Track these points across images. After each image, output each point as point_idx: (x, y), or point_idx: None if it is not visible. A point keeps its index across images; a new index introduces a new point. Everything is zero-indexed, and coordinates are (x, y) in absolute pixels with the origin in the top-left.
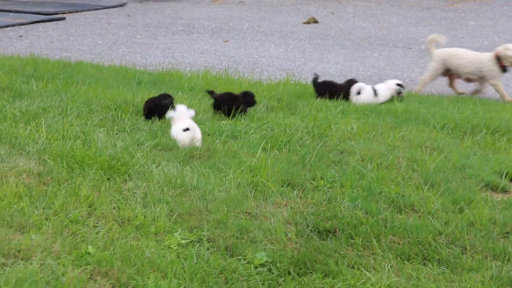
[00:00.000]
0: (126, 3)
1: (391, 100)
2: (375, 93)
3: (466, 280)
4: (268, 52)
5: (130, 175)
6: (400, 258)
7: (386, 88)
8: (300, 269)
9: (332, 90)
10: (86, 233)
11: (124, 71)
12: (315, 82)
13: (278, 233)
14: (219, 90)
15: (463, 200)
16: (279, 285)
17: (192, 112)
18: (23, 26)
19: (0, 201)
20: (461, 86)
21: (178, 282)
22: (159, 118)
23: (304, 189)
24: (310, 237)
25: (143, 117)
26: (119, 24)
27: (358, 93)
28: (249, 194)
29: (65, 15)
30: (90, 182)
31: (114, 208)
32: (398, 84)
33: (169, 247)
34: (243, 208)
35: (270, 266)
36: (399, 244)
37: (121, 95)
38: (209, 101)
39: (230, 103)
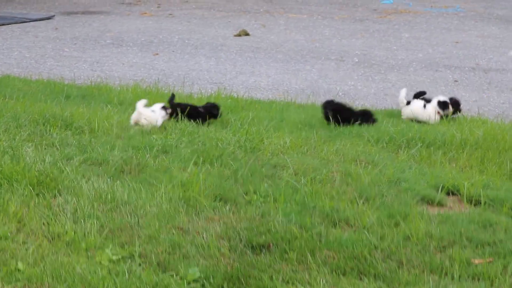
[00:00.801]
0: (53, 16)
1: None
2: (424, 106)
3: None
4: (199, 65)
5: (59, 191)
6: (336, 273)
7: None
8: (234, 284)
9: None
10: (15, 250)
11: (52, 85)
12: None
13: (211, 249)
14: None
15: (398, 214)
16: None
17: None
18: None
19: None
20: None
21: None
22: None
23: (236, 204)
24: (243, 252)
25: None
26: (46, 37)
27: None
28: (181, 209)
29: None
30: (18, 198)
31: (43, 224)
32: (440, 102)
33: (100, 263)
34: (175, 223)
35: (203, 281)
36: (334, 258)
37: (50, 109)
38: None
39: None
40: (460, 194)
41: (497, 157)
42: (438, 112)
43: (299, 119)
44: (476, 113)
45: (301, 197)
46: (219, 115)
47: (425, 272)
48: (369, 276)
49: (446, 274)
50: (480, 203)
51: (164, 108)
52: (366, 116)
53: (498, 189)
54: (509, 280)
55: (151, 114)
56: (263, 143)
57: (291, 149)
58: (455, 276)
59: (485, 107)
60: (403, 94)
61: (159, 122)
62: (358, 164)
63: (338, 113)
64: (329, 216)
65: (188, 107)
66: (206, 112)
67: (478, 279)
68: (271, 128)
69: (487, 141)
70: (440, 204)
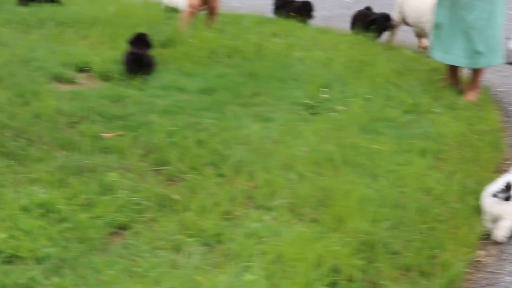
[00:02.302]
0: None
1: None
2: None
3: (33, 171)
4: None
5: None
6: None
7: None
8: None
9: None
10: None
11: None
12: None
13: None
14: None
15: (29, 93)
16: None
17: None
18: None
19: None
20: None
21: None
22: None
23: None
24: None
25: None
26: None
27: None
28: None
29: None
30: None
31: None
32: None
33: None
34: None
35: None
36: None
37: None
38: None
39: None
40: (91, 70)
41: (128, 33)
42: None
43: None
44: None
45: None
46: None
47: (55, 148)
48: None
49: (76, 148)
50: (111, 78)
51: None
52: None
53: None
54: (138, 152)
55: None
56: None
57: None
58: (85, 150)
59: None
60: None
61: None
62: None
63: None
64: None
65: None
66: None
67: (108, 152)
68: None
69: (119, 18)
70: (71, 81)
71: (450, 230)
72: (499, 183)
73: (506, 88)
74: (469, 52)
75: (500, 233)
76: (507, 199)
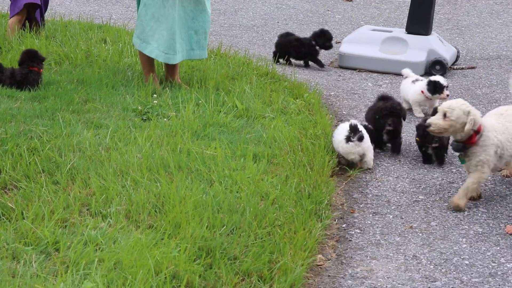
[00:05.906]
0: None
1: None
2: None
3: None
4: None
5: None
6: None
7: None
8: None
9: None
10: None
11: None
12: None
13: None
14: None
15: None
16: None
17: None
18: None
19: None
20: None
21: None
22: None
23: None
24: None
25: None
26: None
27: None
28: None
29: None
30: None
31: None
32: None
33: None
34: None
35: None
36: None
37: None
38: None
39: None
40: None
41: None
42: None
43: None
44: None
45: None
46: None
47: None
48: None
49: None
50: None
51: None
52: None
53: None
54: None
55: None
56: None
57: None
58: None
59: None
60: None
61: None
62: None
63: None
64: None
65: None
66: None
67: None
68: None
69: None
70: None
71: (288, 235)
72: (341, 131)
73: (337, 92)
74: None
75: (370, 164)
76: (360, 139)
